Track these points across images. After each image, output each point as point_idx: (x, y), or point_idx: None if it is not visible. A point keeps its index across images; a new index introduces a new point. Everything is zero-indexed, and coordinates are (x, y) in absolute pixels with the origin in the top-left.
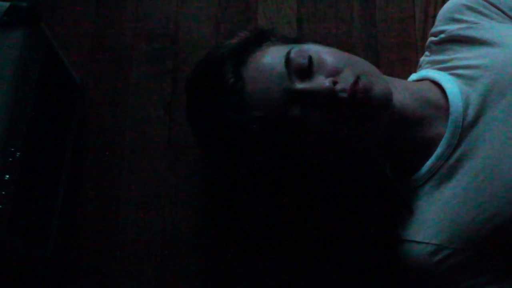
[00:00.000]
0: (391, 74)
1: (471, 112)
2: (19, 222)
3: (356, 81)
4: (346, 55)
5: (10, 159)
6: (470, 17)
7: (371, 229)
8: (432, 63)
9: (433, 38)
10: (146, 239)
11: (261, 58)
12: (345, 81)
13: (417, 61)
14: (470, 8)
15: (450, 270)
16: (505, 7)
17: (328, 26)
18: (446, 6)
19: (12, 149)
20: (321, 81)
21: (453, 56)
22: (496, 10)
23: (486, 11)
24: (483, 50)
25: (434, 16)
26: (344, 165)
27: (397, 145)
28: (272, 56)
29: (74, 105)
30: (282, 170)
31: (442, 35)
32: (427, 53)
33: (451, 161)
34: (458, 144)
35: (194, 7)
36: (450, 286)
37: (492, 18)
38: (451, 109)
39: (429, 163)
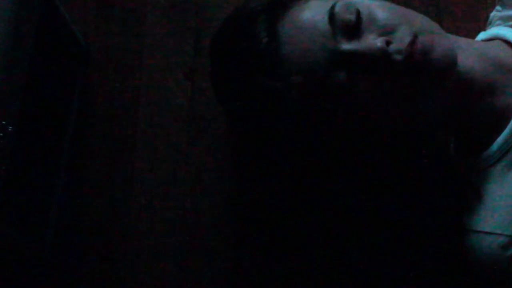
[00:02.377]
0: (455, 32)
1: None
2: (11, 209)
3: (413, 41)
4: (401, 9)
5: (1, 135)
6: None
7: (431, 217)
8: (505, 19)
9: None
10: (163, 230)
11: (300, 14)
12: (400, 41)
13: (487, 17)
14: None
15: None
16: None
17: None
18: None
19: (4, 123)
20: (372, 41)
21: None
22: None
23: None
24: None
25: None
26: (399, 143)
27: (463, 118)
28: (313, 11)
29: (78, 70)
30: (324, 149)
31: None
32: (498, 7)
33: None
34: None
35: None
36: None
37: None
38: None
39: (500, 138)
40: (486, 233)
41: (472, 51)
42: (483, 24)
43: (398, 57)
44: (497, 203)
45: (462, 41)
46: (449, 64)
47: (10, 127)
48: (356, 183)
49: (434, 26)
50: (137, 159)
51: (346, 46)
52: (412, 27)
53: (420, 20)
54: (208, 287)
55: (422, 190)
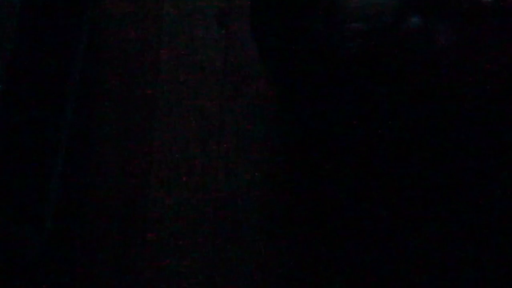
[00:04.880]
0: None
1: None
2: (1, 189)
3: None
4: None
5: None
6: None
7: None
8: None
9: None
10: (190, 216)
11: None
12: None
13: None
14: None
15: None
16: None
17: None
18: None
19: None
20: None
21: None
22: None
23: None
24: None
25: None
26: (487, 106)
27: None
28: None
29: (83, 14)
30: (389, 115)
31: None
32: None
33: None
34: None
35: None
36: None
37: None
38: None
39: None
40: None
41: None
42: None
43: None
44: None
45: None
46: None
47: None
48: (425, 160)
49: None
50: (158, 127)
51: None
52: None
53: None
54: (244, 284)
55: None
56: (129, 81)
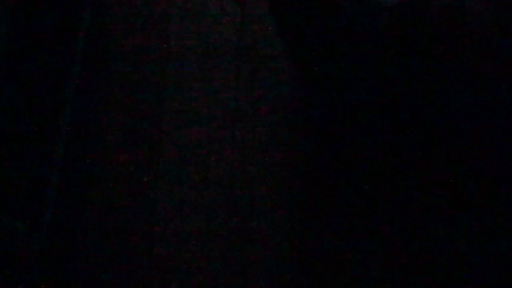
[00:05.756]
0: None
1: None
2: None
3: None
4: None
5: None
6: None
7: None
8: None
9: None
10: (202, 210)
11: None
12: None
13: None
14: None
15: None
16: None
17: None
18: None
19: None
20: None
21: None
22: None
23: None
24: None
25: None
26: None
27: None
28: None
29: None
30: (424, 93)
31: None
32: None
33: None
34: None
35: None
36: None
37: None
38: None
39: None
40: None
41: None
42: None
43: None
44: None
45: None
46: None
47: None
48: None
49: None
50: (166, 112)
51: None
52: None
53: None
54: (259, 283)
55: None
56: (135, 63)
